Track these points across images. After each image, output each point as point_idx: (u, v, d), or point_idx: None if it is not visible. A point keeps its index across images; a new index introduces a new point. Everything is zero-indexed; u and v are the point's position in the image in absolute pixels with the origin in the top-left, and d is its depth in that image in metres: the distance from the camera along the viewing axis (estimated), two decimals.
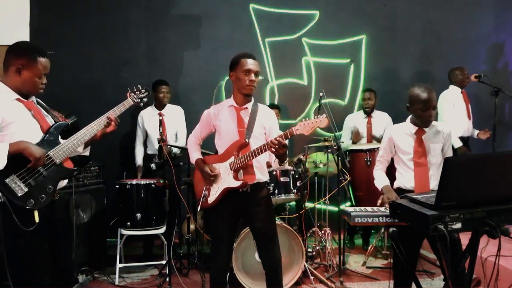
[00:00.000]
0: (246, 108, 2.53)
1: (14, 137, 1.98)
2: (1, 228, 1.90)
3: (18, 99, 2.07)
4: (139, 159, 4.28)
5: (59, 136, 2.17)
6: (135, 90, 2.52)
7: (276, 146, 2.23)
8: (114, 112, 2.33)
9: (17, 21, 4.59)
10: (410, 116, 2.66)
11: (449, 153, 2.65)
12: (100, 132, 2.28)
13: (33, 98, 2.20)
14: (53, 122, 2.21)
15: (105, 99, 4.67)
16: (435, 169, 2.55)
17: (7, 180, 1.94)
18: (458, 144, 4.31)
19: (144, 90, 2.54)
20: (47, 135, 2.11)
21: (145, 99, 2.55)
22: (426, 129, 2.58)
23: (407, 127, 2.63)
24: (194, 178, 2.70)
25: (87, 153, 2.40)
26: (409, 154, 2.59)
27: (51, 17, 4.64)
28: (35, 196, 2.00)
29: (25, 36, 4.56)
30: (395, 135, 2.66)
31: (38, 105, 2.21)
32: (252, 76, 2.45)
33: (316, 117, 2.27)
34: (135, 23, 4.83)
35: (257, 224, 2.52)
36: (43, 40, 4.50)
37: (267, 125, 2.57)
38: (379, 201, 2.47)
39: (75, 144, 2.15)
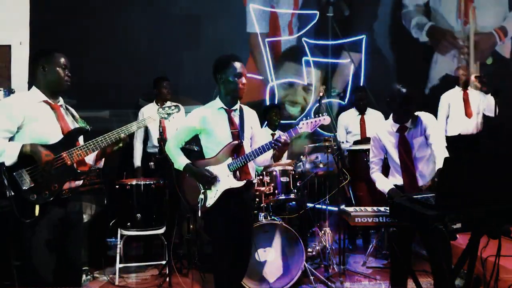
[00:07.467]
0: (236, 109, 2.57)
1: (32, 134, 2.11)
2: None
3: (45, 101, 2.22)
4: (137, 160, 4.24)
5: (78, 140, 2.29)
6: (165, 106, 2.57)
7: (280, 145, 2.32)
8: (130, 128, 2.35)
9: (17, 21, 4.58)
10: (392, 114, 2.67)
11: (440, 141, 2.57)
12: (110, 148, 2.34)
13: (62, 102, 2.32)
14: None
15: (105, 99, 4.68)
16: (422, 163, 2.54)
17: (15, 173, 2.07)
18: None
19: (174, 107, 2.58)
20: (66, 137, 2.22)
21: (173, 117, 2.57)
22: (408, 125, 2.59)
23: (390, 124, 2.65)
24: (183, 184, 2.64)
25: (100, 165, 2.52)
26: (395, 151, 2.60)
27: (51, 17, 4.63)
28: (39, 191, 2.09)
29: (25, 36, 4.56)
30: (380, 134, 2.68)
31: (65, 110, 2.33)
32: (243, 80, 2.48)
33: (318, 115, 2.40)
34: (135, 23, 4.82)
35: (244, 220, 2.59)
36: (43, 40, 4.49)
37: (254, 126, 2.64)
38: None
39: (90, 148, 2.23)
